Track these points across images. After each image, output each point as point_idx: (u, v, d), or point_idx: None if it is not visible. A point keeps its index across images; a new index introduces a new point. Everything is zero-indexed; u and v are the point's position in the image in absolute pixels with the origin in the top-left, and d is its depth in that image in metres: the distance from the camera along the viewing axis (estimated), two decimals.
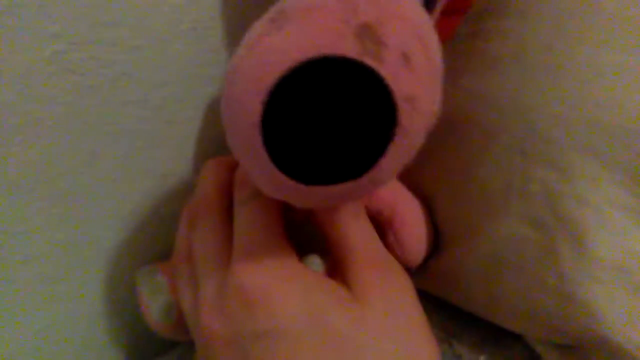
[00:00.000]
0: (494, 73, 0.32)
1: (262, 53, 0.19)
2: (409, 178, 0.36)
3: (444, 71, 0.33)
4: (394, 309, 0.25)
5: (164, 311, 0.32)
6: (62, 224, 0.32)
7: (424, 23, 0.22)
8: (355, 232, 0.27)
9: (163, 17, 0.31)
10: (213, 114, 0.36)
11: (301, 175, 0.20)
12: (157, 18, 0.30)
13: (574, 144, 0.29)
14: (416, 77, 0.20)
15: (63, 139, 0.30)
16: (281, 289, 0.24)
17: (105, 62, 0.30)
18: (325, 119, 0.19)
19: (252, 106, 0.19)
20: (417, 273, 0.37)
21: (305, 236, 0.30)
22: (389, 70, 0.19)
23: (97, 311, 0.37)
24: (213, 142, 0.37)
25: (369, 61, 0.18)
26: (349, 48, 0.18)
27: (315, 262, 0.32)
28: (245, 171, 0.25)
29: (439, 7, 0.27)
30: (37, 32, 0.26)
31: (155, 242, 0.38)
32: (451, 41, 0.35)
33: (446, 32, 0.31)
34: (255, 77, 0.19)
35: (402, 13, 0.20)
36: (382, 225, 0.33)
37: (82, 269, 0.35)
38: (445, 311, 0.39)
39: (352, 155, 0.20)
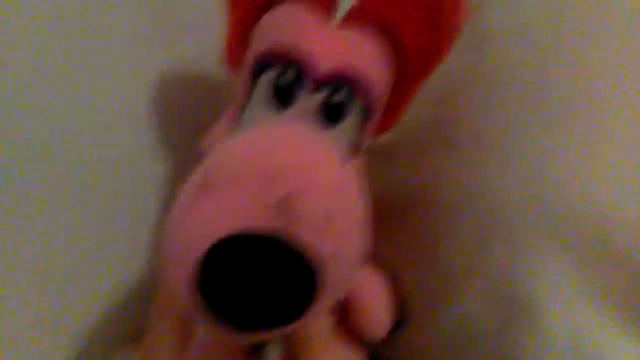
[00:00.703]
0: (454, 154, 0.34)
1: (191, 226, 0.22)
2: (376, 252, 0.38)
3: (408, 150, 0.36)
4: None
5: None
6: (40, 304, 0.32)
7: (344, 181, 0.25)
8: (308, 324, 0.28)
9: None
10: None
11: (235, 324, 0.22)
12: None
13: (527, 223, 0.31)
14: (338, 235, 0.23)
15: (44, 223, 0.32)
16: None
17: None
18: (253, 281, 0.21)
19: (186, 273, 0.21)
20: (385, 344, 0.38)
21: None
22: (309, 237, 0.21)
23: None
24: None
25: (288, 232, 0.21)
26: (267, 222, 0.21)
27: (273, 352, 0.32)
28: None
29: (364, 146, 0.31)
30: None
31: (132, 322, 0.38)
32: (416, 123, 0.38)
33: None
34: (186, 248, 0.22)
35: (319, 179, 0.23)
36: (344, 305, 0.34)
37: (59, 349, 0.34)
38: None
39: (282, 307, 0.22)
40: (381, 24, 0.29)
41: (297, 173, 0.23)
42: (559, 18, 0.33)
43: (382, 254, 0.38)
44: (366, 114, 0.29)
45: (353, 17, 0.30)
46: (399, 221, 0.38)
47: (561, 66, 0.31)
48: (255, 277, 0.21)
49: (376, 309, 0.35)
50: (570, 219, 0.30)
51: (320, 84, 0.27)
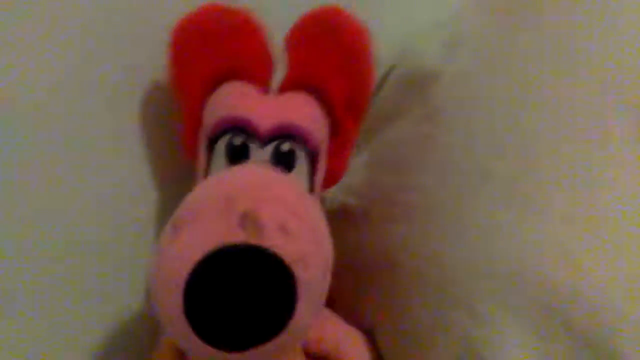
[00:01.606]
0: (412, 224, 0.36)
1: (169, 259, 0.24)
2: (354, 312, 0.40)
3: (375, 216, 0.38)
4: None
5: None
6: (46, 332, 0.35)
7: (300, 199, 0.28)
8: None
9: None
10: None
11: (227, 344, 0.24)
12: None
13: (481, 291, 0.33)
14: (297, 242, 0.25)
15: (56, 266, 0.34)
16: None
17: None
18: (235, 294, 0.23)
19: (172, 300, 0.23)
20: None
21: None
22: (273, 243, 0.24)
23: None
24: None
25: (253, 241, 0.23)
26: (234, 237, 0.24)
27: None
28: None
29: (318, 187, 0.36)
30: None
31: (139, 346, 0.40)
32: (381, 190, 0.40)
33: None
34: (169, 279, 0.24)
35: (275, 197, 0.26)
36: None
37: None
38: None
39: (266, 318, 0.24)
40: (308, 86, 0.35)
41: (254, 190, 0.26)
42: (506, 96, 0.35)
43: (357, 311, 0.40)
44: (312, 159, 0.34)
45: (285, 85, 0.36)
46: (371, 281, 0.40)
47: (508, 140, 0.34)
48: (237, 289, 0.23)
49: None
50: (518, 287, 0.32)
51: (266, 140, 0.33)
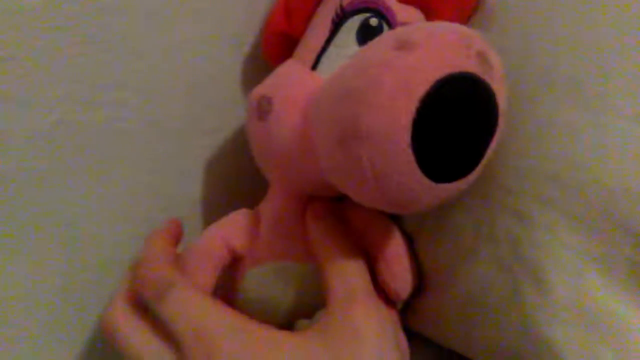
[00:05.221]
0: None
1: (404, 71, 0.24)
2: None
3: None
4: (387, 341, 0.29)
5: None
6: (64, 267, 0.35)
7: None
8: (351, 268, 0.31)
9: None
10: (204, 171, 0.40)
11: (438, 175, 0.25)
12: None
13: (532, 194, 0.31)
14: (503, 92, 0.27)
15: (68, 191, 0.34)
16: None
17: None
18: (458, 124, 0.25)
19: (404, 113, 0.24)
20: (403, 312, 0.39)
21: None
22: (495, 86, 0.26)
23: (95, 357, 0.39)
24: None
25: (487, 79, 0.25)
26: (474, 68, 0.25)
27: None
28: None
29: None
30: (42, 97, 0.30)
31: None
32: None
33: None
34: (404, 90, 0.24)
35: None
36: (374, 255, 0.36)
37: (80, 314, 0.37)
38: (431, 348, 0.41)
39: (471, 152, 0.26)
40: None
41: (483, 37, 0.27)
42: None
43: (400, 220, 0.39)
44: None
45: None
46: None
47: (570, 40, 0.32)
48: (462, 116, 0.24)
49: (403, 265, 0.36)
50: (577, 190, 0.30)
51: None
